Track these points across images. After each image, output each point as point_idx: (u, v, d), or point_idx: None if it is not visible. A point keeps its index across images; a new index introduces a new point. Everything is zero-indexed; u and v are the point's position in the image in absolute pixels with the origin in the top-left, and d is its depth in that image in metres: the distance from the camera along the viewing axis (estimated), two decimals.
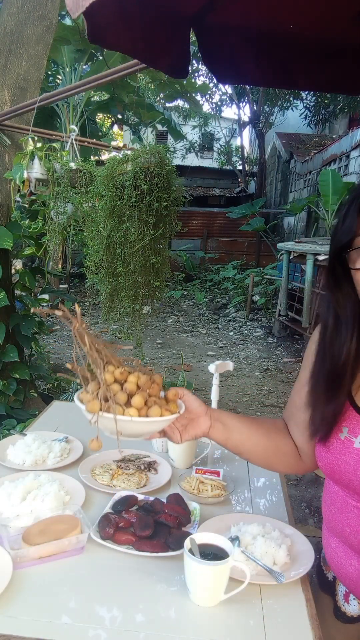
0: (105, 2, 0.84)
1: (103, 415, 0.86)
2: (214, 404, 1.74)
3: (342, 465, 0.91)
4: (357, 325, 0.89)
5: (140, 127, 8.48)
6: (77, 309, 0.93)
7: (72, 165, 2.25)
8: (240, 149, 16.24)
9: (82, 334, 0.93)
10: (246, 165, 15.93)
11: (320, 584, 1.12)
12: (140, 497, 1.24)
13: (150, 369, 0.98)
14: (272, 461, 1.09)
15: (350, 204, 0.85)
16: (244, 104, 14.28)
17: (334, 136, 11.99)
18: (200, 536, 1.00)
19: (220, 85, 12.92)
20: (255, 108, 13.64)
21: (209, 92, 13.65)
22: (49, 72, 6.09)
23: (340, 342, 0.91)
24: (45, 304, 7.79)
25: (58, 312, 0.90)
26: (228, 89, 13.67)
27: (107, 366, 0.92)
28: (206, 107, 14.82)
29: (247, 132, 16.83)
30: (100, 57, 5.34)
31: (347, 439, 0.91)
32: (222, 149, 17.40)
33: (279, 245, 7.38)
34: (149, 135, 10.39)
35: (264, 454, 1.07)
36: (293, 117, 13.32)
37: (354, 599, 1.01)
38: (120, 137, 15.88)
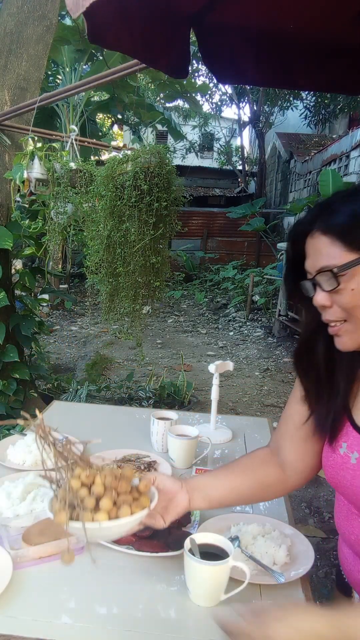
0: (105, 2, 0.84)
1: (72, 525, 0.82)
2: (213, 404, 1.74)
3: (341, 480, 0.92)
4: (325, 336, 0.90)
5: (140, 127, 8.48)
6: (39, 415, 0.91)
7: (72, 165, 2.25)
8: (240, 149, 16.23)
9: (46, 435, 0.89)
10: (246, 165, 15.93)
11: (338, 584, 1.12)
12: None
13: (119, 465, 0.95)
14: (259, 497, 1.11)
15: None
16: (244, 104, 14.28)
17: (334, 136, 11.99)
18: (200, 536, 1.00)
19: (220, 85, 12.92)
20: (255, 108, 13.64)
21: (209, 92, 13.65)
22: (49, 72, 6.10)
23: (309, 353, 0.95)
24: (45, 304, 7.82)
25: (20, 422, 0.88)
26: (228, 89, 13.67)
27: (73, 470, 0.89)
28: (206, 107, 14.82)
29: (247, 132, 16.83)
30: (100, 57, 5.34)
31: (345, 454, 0.91)
32: (222, 149, 17.40)
33: (279, 245, 7.39)
34: (149, 135, 10.40)
35: (249, 497, 1.08)
36: (293, 117, 13.32)
37: None
38: (120, 137, 15.88)
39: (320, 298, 0.83)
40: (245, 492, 1.05)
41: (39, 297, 3.87)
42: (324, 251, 0.81)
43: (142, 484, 0.92)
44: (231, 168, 16.07)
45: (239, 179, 15.93)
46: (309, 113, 11.89)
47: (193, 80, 8.88)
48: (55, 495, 0.89)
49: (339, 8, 1.35)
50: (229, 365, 1.73)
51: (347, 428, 0.92)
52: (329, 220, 0.81)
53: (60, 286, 8.65)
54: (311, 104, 11.76)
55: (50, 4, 3.01)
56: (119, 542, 1.07)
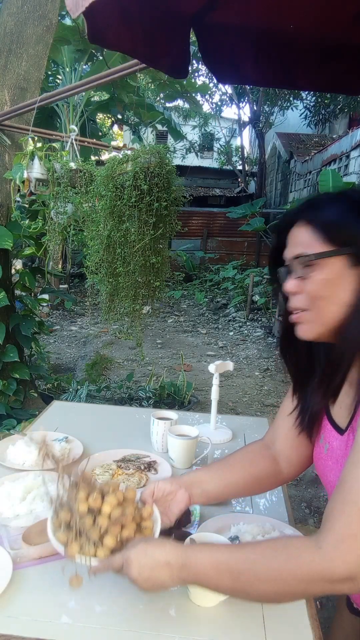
0: (105, 2, 0.84)
1: (76, 560, 0.85)
2: (213, 404, 1.74)
3: (320, 469, 0.98)
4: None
5: (140, 127, 8.48)
6: (44, 440, 0.96)
7: (72, 165, 2.25)
8: (240, 149, 16.23)
9: (47, 453, 0.95)
10: (246, 165, 15.93)
11: None
12: None
13: (129, 489, 0.95)
14: (254, 490, 1.15)
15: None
16: (244, 104, 14.28)
17: (334, 136, 12.00)
18: (200, 536, 1.00)
19: (220, 85, 12.92)
20: (255, 108, 13.64)
21: (209, 92, 13.65)
22: (49, 72, 6.09)
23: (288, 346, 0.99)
24: (45, 304, 7.81)
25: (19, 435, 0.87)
26: (228, 89, 13.67)
27: (78, 493, 0.89)
28: (206, 107, 14.82)
29: (247, 132, 16.83)
30: (100, 57, 5.34)
31: (322, 444, 0.96)
32: (222, 149, 17.40)
33: None
34: (149, 135, 10.39)
35: (244, 490, 1.11)
36: (293, 117, 13.32)
37: None
38: (120, 137, 15.88)
39: (290, 284, 0.86)
40: (240, 486, 1.08)
41: (39, 297, 3.87)
42: (304, 240, 0.84)
43: (145, 512, 0.94)
44: (231, 168, 16.06)
45: (239, 179, 15.92)
46: (309, 113, 11.89)
47: (193, 80, 8.88)
48: (56, 514, 0.89)
49: (339, 8, 1.35)
50: (229, 365, 1.73)
51: (325, 421, 0.96)
52: (315, 213, 0.85)
53: (60, 286, 8.65)
54: (311, 104, 11.76)
55: (50, 4, 3.01)
56: None
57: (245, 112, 14.71)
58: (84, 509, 0.87)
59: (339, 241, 0.81)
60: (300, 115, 12.22)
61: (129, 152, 2.01)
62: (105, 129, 11.29)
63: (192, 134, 16.66)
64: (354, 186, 6.45)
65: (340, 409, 0.92)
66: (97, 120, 8.80)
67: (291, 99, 12.20)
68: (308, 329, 0.87)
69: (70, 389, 3.97)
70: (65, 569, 0.88)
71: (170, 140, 13.91)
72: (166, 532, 1.08)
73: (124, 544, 0.87)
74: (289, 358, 0.99)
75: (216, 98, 14.61)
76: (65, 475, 0.92)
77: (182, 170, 13.91)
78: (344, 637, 1.13)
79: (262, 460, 1.09)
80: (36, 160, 2.31)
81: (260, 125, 13.61)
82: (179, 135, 7.92)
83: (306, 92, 11.09)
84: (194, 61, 9.91)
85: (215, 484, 1.06)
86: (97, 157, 5.75)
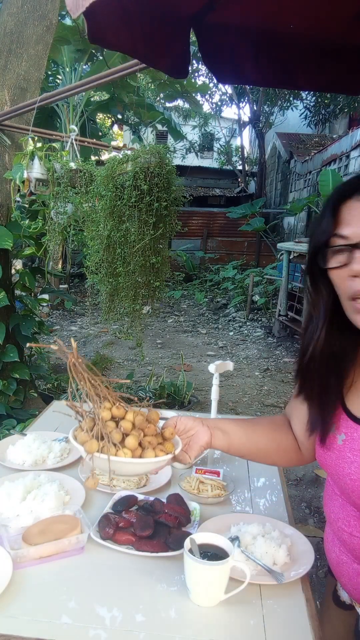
0: (105, 2, 0.84)
1: (98, 455, 0.87)
2: (213, 404, 1.74)
3: (339, 470, 0.92)
4: (329, 323, 0.89)
5: (140, 127, 8.48)
6: (73, 343, 0.94)
7: (72, 165, 2.24)
8: (240, 149, 16.23)
9: (79, 368, 0.92)
10: (246, 165, 15.92)
11: (329, 571, 1.15)
12: (140, 497, 1.24)
13: (148, 404, 1.00)
14: (274, 459, 1.12)
15: (325, 206, 0.83)
16: (244, 104, 14.27)
17: (334, 136, 11.99)
18: (200, 536, 1.00)
19: (220, 85, 12.91)
20: (255, 108, 13.63)
21: (209, 92, 13.65)
22: (49, 72, 6.09)
23: (309, 338, 0.91)
24: (45, 304, 7.81)
25: (54, 347, 0.91)
26: (228, 89, 13.66)
27: (103, 402, 0.92)
28: (206, 107, 14.82)
29: (247, 132, 16.82)
30: (100, 57, 5.34)
31: (344, 444, 0.92)
32: (222, 149, 17.39)
33: (279, 245, 7.38)
34: (149, 135, 10.39)
35: (264, 454, 1.10)
36: (293, 117, 13.31)
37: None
38: (120, 137, 15.87)
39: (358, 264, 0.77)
40: (262, 448, 1.08)
41: (39, 297, 3.87)
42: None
43: (167, 431, 0.97)
44: (231, 168, 16.06)
45: (239, 179, 15.92)
46: (309, 113, 11.89)
47: (193, 80, 8.88)
48: (80, 426, 0.91)
49: (339, 8, 1.35)
50: (229, 365, 1.73)
51: (343, 417, 0.92)
52: None
53: (60, 286, 8.65)
54: (311, 104, 11.76)
55: (50, 4, 3.01)
56: (119, 542, 1.07)
57: (245, 112, 14.72)
58: (107, 415, 0.90)
59: None
60: (300, 115, 12.21)
61: (129, 152, 2.01)
62: (105, 129, 11.29)
63: (192, 134, 16.65)
64: None
65: (358, 398, 0.88)
66: (97, 120, 8.80)
67: (291, 99, 12.20)
68: None
69: (70, 389, 3.96)
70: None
71: (170, 140, 13.91)
72: (166, 532, 1.09)
73: (144, 450, 0.87)
74: (316, 369, 0.92)
75: (216, 98, 14.62)
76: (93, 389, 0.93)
77: (182, 170, 13.91)
78: (332, 630, 1.14)
79: (286, 431, 1.09)
80: (36, 160, 2.31)
81: (260, 125, 13.61)
82: (179, 135, 7.92)
83: (306, 92, 11.09)
84: (194, 61, 9.90)
85: (239, 437, 1.06)
86: (97, 157, 5.74)
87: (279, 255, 8.33)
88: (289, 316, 6.71)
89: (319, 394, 0.94)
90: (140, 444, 0.90)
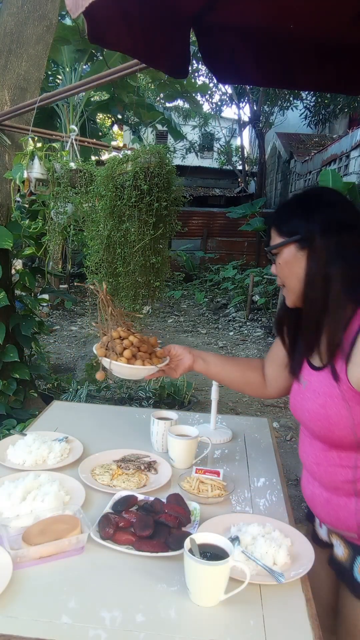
0: (105, 2, 0.84)
1: (104, 359, 1.34)
2: (213, 404, 1.74)
3: (303, 407, 1.17)
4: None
5: (140, 127, 8.48)
6: (104, 285, 1.44)
7: (72, 165, 2.24)
8: (240, 149, 16.23)
9: (106, 303, 1.41)
10: (246, 165, 15.92)
11: (308, 514, 1.35)
12: (140, 497, 1.24)
13: (153, 337, 1.45)
14: (242, 389, 1.49)
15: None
16: (244, 104, 14.27)
17: (334, 136, 11.99)
18: (200, 536, 1.00)
19: (220, 85, 12.91)
20: (255, 108, 13.63)
21: (209, 92, 13.64)
22: (49, 72, 6.09)
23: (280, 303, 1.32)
24: (45, 304, 7.81)
25: (91, 286, 1.43)
26: (228, 89, 13.66)
27: (116, 326, 1.40)
28: (206, 107, 14.80)
29: (247, 132, 16.82)
30: (100, 57, 5.34)
31: (301, 383, 1.20)
32: (222, 149, 17.39)
33: None
34: (149, 135, 10.38)
35: (235, 384, 1.47)
36: (293, 117, 13.31)
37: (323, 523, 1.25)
38: (120, 137, 15.87)
39: (272, 268, 1.19)
40: (233, 379, 1.45)
41: (39, 297, 3.87)
42: (272, 237, 1.16)
43: (159, 352, 1.41)
44: (231, 168, 16.06)
45: (239, 179, 15.92)
46: (309, 113, 11.88)
47: (193, 80, 8.87)
48: (102, 341, 1.38)
49: (339, 8, 1.35)
50: None
51: (305, 366, 1.19)
52: (275, 217, 1.16)
53: (60, 286, 8.65)
54: (311, 104, 11.75)
55: (50, 4, 3.01)
56: (119, 542, 1.07)
57: (245, 112, 14.72)
58: (116, 334, 1.38)
59: (287, 233, 1.11)
60: (300, 115, 12.21)
61: (129, 152, 2.01)
62: (105, 129, 11.28)
63: (192, 134, 16.65)
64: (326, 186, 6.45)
65: (317, 356, 1.14)
66: (97, 120, 8.80)
67: (291, 99, 12.19)
68: (288, 299, 1.17)
69: (70, 389, 3.97)
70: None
71: (170, 140, 13.92)
72: (166, 532, 1.09)
73: (136, 359, 1.34)
74: (285, 326, 1.27)
75: (216, 98, 14.61)
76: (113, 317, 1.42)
77: (182, 170, 13.91)
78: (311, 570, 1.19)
79: (256, 372, 1.44)
80: (36, 160, 2.30)
81: (260, 125, 13.60)
82: (179, 135, 7.92)
83: (306, 92, 11.09)
84: (194, 61, 9.90)
85: (216, 366, 1.45)
86: (97, 157, 5.74)
87: None
88: None
89: (291, 345, 1.26)
90: (134, 357, 1.34)
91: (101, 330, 1.38)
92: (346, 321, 1.05)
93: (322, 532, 1.27)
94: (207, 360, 1.44)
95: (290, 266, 1.11)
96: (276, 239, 1.13)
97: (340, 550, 1.19)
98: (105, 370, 1.36)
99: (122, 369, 1.33)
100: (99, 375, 1.34)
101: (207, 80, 11.58)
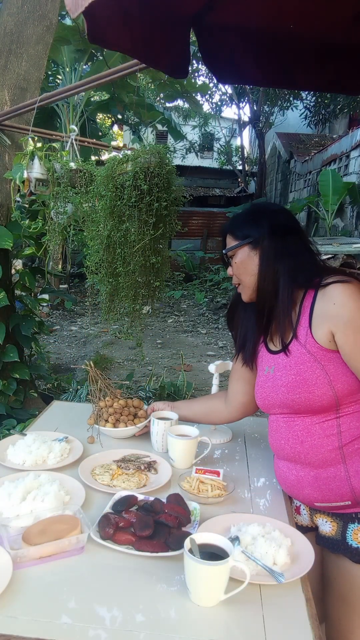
0: (105, 2, 0.84)
1: (95, 426, 1.66)
2: None
3: (265, 390, 1.31)
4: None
5: (140, 127, 8.48)
6: (91, 364, 1.75)
7: (72, 165, 2.24)
8: (240, 149, 16.22)
9: (94, 379, 1.73)
10: (246, 165, 15.92)
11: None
12: (140, 497, 1.24)
13: (137, 398, 1.74)
14: (209, 419, 1.66)
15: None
16: (244, 104, 14.27)
17: (334, 136, 11.99)
18: (200, 536, 1.00)
19: (220, 85, 12.90)
20: (255, 108, 13.63)
21: (209, 92, 13.63)
22: (49, 72, 6.09)
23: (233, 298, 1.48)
24: (45, 304, 7.81)
25: (87, 367, 1.75)
26: (228, 89, 13.65)
27: (103, 398, 1.71)
28: (206, 107, 14.80)
29: (247, 132, 16.81)
30: (100, 57, 5.34)
31: (266, 372, 1.32)
32: (222, 149, 17.38)
33: None
34: (149, 135, 10.39)
35: (201, 416, 1.64)
36: (293, 117, 13.31)
37: (303, 509, 1.35)
38: (120, 137, 15.87)
39: (228, 270, 1.38)
40: (196, 412, 1.64)
41: (39, 297, 3.86)
42: (227, 242, 1.35)
43: (141, 412, 1.68)
44: (231, 168, 16.05)
45: (239, 179, 15.92)
46: (309, 113, 11.88)
47: (193, 80, 8.88)
48: (94, 411, 1.69)
49: (339, 8, 1.35)
50: (229, 365, 1.73)
51: (267, 355, 1.33)
52: (230, 224, 1.36)
53: (60, 286, 8.65)
54: (311, 104, 11.75)
55: (50, 4, 3.01)
56: (119, 542, 1.07)
57: (245, 112, 14.71)
58: (102, 404, 1.67)
59: (242, 237, 1.30)
60: (300, 115, 12.21)
61: (129, 152, 2.01)
62: (105, 129, 11.29)
63: (192, 134, 16.65)
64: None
65: (277, 340, 1.30)
66: (97, 120, 8.80)
67: (291, 99, 12.19)
68: (245, 295, 1.34)
69: (70, 389, 3.97)
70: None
71: (170, 140, 13.91)
72: (166, 532, 1.09)
73: (120, 423, 1.62)
74: (236, 320, 1.46)
75: (216, 98, 14.59)
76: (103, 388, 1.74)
77: (182, 170, 13.91)
78: None
79: (218, 399, 1.60)
80: (36, 160, 2.30)
81: (260, 125, 13.60)
82: (179, 135, 7.92)
83: (306, 92, 11.08)
84: (194, 61, 9.89)
85: (184, 409, 1.65)
86: (97, 157, 5.74)
87: None
88: None
89: (244, 335, 1.42)
90: (118, 420, 1.63)
91: (93, 402, 1.71)
92: (300, 301, 1.25)
93: (303, 519, 1.36)
94: (179, 407, 1.66)
95: (245, 265, 1.30)
96: (232, 243, 1.32)
97: (328, 527, 1.27)
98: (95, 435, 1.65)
99: (109, 432, 1.63)
100: (90, 440, 1.62)
101: (207, 80, 11.58)
